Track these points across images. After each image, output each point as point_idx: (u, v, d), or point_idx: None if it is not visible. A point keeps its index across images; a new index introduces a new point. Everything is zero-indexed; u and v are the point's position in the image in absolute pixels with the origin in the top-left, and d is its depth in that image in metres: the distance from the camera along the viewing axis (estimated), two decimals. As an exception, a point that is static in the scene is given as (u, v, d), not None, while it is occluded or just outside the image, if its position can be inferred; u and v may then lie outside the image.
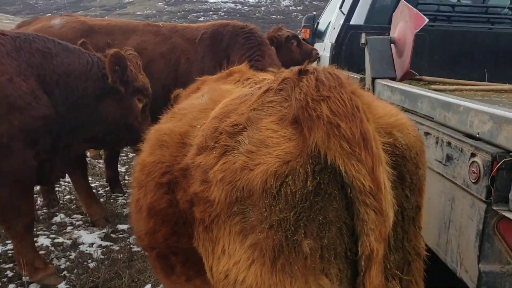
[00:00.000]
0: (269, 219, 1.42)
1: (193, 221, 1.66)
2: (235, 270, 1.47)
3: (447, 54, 5.27)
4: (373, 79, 3.92)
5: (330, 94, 1.45)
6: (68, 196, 6.09)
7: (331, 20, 6.74)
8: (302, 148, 1.42)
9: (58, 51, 3.54)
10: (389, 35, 4.62)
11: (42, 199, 5.76)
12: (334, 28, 6.03)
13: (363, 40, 4.06)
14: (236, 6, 57.34)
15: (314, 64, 6.55)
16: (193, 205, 1.63)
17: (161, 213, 1.83)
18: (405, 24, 4.00)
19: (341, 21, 5.36)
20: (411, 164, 1.60)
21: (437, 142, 2.58)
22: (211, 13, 54.67)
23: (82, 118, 3.69)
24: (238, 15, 49.44)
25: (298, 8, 54.27)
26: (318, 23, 7.52)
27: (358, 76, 4.23)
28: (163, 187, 1.81)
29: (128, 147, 5.59)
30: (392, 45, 4.14)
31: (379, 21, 5.37)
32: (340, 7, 5.57)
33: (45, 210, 5.60)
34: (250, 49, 4.45)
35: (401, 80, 4.18)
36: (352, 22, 5.25)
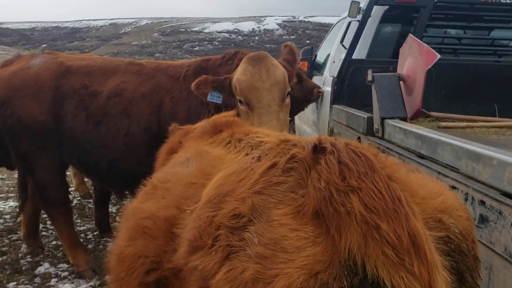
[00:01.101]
0: None
1: None
2: None
3: (454, 88, 5.02)
4: (382, 119, 3.63)
5: (361, 184, 1.12)
6: (54, 242, 5.68)
7: (330, 52, 6.52)
8: (332, 254, 1.08)
9: None
10: (393, 69, 4.37)
11: (25, 246, 5.36)
12: (334, 62, 5.79)
13: (369, 78, 3.79)
14: (230, 35, 57.97)
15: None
16: None
17: None
18: (415, 61, 3.74)
19: (343, 55, 5.11)
20: (470, 258, 1.26)
21: (466, 199, 2.26)
22: (206, 42, 55.11)
23: None
24: (232, 45, 49.88)
25: (292, 37, 54.91)
26: (316, 56, 7.30)
27: (365, 115, 3.94)
28: None
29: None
30: (401, 83, 3.87)
31: (382, 54, 5.14)
32: (341, 41, 5.33)
33: (28, 259, 5.19)
34: (229, 70, 4.14)
35: (412, 119, 3.89)
36: (354, 56, 5.01)
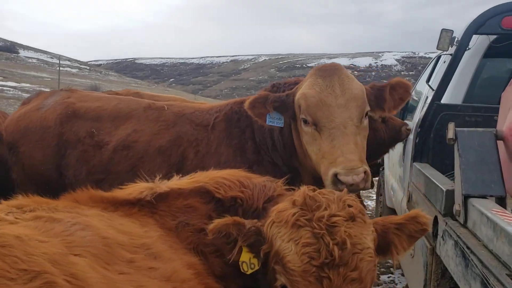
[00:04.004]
0: None
1: None
2: None
3: None
4: (466, 197, 2.43)
5: None
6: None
7: (424, 92, 5.29)
8: None
9: None
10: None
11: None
12: (423, 106, 4.57)
13: (450, 134, 2.62)
14: (346, 71, 57.38)
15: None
16: None
17: None
18: (522, 112, 2.50)
19: (429, 99, 3.92)
20: None
21: None
22: (320, 77, 55.35)
23: None
24: (347, 80, 49.34)
25: (410, 73, 52.48)
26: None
27: (445, 186, 2.75)
28: None
29: None
30: (500, 143, 2.63)
31: (486, 99, 3.84)
32: (428, 80, 4.12)
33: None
34: (264, 133, 3.27)
35: (517, 199, 2.61)
36: (444, 100, 3.78)
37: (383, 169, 7.08)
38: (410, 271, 3.53)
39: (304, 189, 1.86)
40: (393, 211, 6.27)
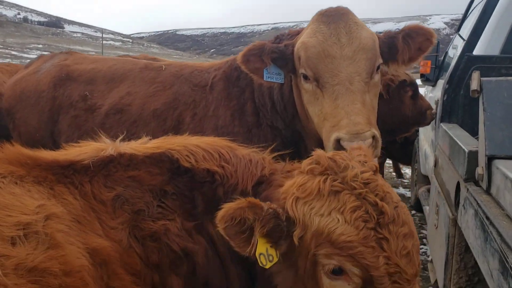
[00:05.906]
0: None
1: None
2: None
3: None
4: (490, 158, 2.05)
5: None
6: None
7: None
8: None
9: None
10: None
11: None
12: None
13: (474, 85, 2.22)
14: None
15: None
16: None
17: None
18: None
19: (459, 50, 3.44)
20: None
21: None
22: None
23: None
24: (393, 45, 47.83)
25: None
26: (446, 53, 5.49)
27: (467, 147, 2.37)
28: None
29: None
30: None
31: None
32: (458, 29, 3.62)
33: None
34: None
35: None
36: (476, 51, 3.31)
37: (418, 134, 6.61)
38: (433, 244, 3.18)
39: (319, 153, 1.61)
40: (427, 179, 5.85)
